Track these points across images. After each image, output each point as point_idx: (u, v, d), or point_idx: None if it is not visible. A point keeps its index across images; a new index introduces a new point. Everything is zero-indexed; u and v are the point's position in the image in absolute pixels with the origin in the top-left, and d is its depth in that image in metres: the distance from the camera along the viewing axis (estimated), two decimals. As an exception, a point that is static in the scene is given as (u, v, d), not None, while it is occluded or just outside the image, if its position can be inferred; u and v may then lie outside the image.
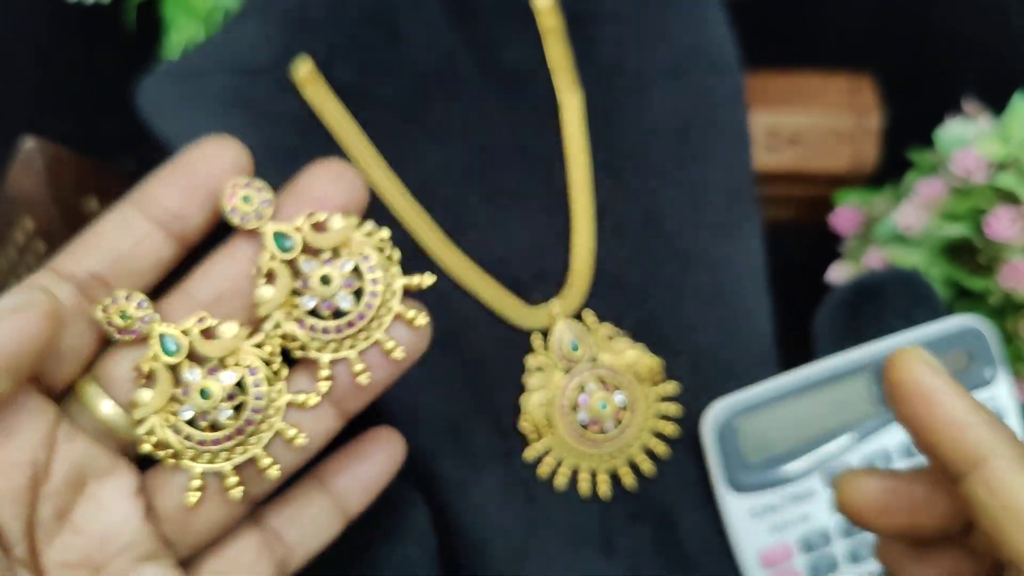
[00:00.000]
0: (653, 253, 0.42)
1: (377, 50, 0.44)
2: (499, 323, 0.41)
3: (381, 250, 0.29)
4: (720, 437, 0.39)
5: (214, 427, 0.28)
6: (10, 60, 0.64)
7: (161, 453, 0.28)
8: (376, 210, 0.41)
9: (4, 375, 0.25)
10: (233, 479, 0.28)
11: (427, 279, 0.30)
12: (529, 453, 0.40)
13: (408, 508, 0.37)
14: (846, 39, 0.64)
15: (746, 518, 0.40)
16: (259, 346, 0.29)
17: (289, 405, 0.29)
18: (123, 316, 0.28)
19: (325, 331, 0.29)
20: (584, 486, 0.40)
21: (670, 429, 0.41)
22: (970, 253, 0.47)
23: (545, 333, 0.41)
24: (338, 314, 0.29)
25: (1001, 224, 0.43)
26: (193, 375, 0.28)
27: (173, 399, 0.28)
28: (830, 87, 0.55)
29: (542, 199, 0.42)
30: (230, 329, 0.28)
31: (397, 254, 0.30)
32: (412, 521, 0.37)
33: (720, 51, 0.46)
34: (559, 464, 0.40)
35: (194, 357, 0.28)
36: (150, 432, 0.28)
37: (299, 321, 0.29)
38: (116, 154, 0.62)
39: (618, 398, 0.40)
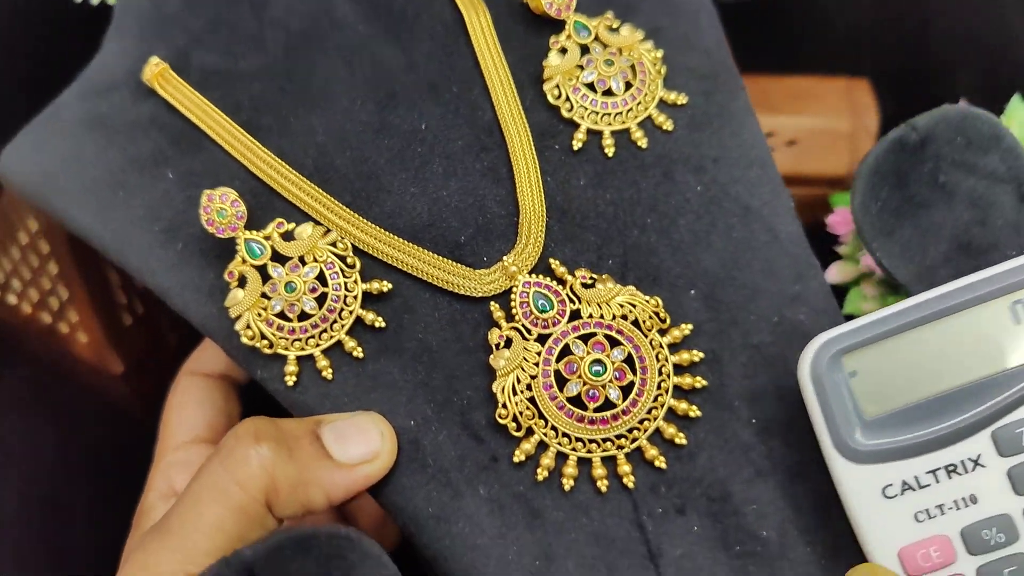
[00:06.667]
0: (624, 167, 0.33)
1: (241, 24, 0.37)
2: (442, 299, 0.31)
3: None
4: (824, 385, 0.28)
5: (301, 318, 0.30)
6: (13, 61, 0.62)
7: (258, 344, 0.30)
8: (262, 200, 0.33)
9: None
10: (324, 362, 0.30)
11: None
12: (518, 455, 0.30)
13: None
14: (843, 42, 0.63)
15: (873, 500, 0.28)
16: (333, 244, 0.31)
17: (365, 293, 0.31)
18: (221, 214, 0.30)
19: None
20: (601, 482, 0.30)
21: (697, 382, 0.30)
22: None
23: (504, 297, 0.31)
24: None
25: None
26: (277, 272, 0.31)
27: (264, 296, 0.30)
28: (828, 90, 0.56)
29: (466, 137, 0.33)
30: (306, 230, 0.31)
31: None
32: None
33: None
34: (560, 461, 0.30)
35: (277, 258, 0.31)
36: (247, 326, 0.30)
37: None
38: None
39: (617, 356, 0.30)
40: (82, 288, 0.47)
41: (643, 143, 0.33)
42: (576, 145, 0.33)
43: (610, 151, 0.33)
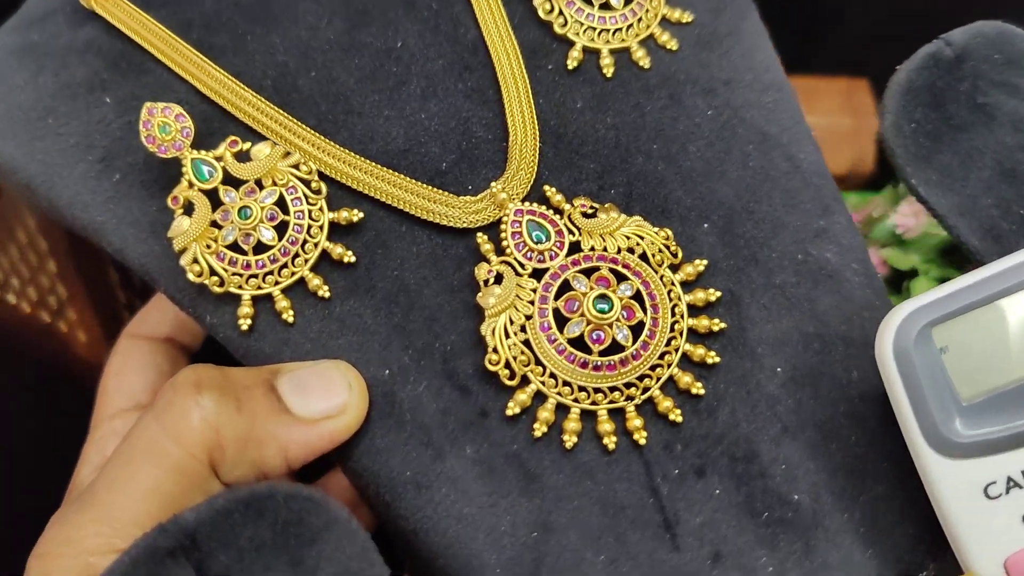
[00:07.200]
0: (625, 89, 0.29)
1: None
2: (421, 231, 0.27)
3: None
4: (913, 365, 0.23)
5: (258, 251, 0.26)
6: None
7: (207, 281, 0.26)
8: (214, 125, 0.28)
9: None
10: (284, 302, 0.26)
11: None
12: (511, 408, 0.26)
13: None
14: (844, 42, 0.63)
15: (974, 502, 0.24)
16: (295, 167, 0.27)
17: (332, 223, 0.27)
18: (163, 129, 0.26)
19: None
20: (608, 439, 0.25)
21: (714, 325, 0.27)
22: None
23: (492, 229, 0.27)
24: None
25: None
26: (230, 197, 0.26)
27: (214, 225, 0.26)
28: (829, 90, 0.57)
29: (448, 56, 0.29)
30: (263, 150, 0.27)
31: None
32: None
33: None
34: (561, 414, 0.26)
35: (230, 182, 0.27)
36: (193, 261, 0.26)
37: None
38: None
39: (625, 291, 0.26)
40: (81, 286, 0.47)
41: (645, 63, 0.30)
42: (571, 64, 0.29)
43: (609, 71, 0.29)
